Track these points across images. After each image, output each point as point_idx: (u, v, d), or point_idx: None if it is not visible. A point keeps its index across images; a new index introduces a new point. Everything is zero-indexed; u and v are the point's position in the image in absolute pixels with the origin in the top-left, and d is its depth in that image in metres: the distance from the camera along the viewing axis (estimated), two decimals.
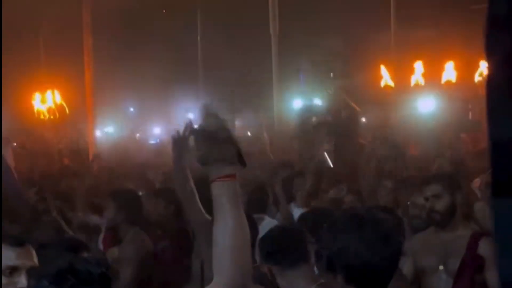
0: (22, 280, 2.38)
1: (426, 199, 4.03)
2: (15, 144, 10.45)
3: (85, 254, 3.00)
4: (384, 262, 2.14)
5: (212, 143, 1.92)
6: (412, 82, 15.79)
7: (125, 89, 17.30)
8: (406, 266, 3.99)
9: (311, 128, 7.01)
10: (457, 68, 15.19)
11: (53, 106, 16.08)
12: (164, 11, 18.63)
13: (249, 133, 12.89)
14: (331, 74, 18.85)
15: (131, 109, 19.82)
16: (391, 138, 7.63)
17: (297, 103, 14.08)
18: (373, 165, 6.34)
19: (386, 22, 16.08)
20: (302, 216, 4.02)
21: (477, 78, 14.81)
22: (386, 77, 15.80)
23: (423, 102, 13.22)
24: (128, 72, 16.28)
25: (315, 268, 2.82)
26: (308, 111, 7.70)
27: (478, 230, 4.06)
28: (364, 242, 2.11)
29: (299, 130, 7.53)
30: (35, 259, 2.47)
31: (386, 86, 15.84)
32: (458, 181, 4.20)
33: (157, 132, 15.18)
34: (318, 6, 17.32)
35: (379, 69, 15.98)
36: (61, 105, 16.13)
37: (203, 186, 2.32)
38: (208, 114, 1.97)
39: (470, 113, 12.38)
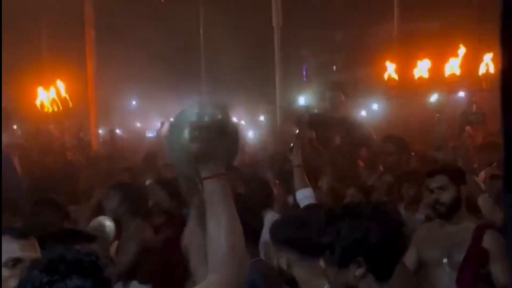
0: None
1: (431, 191, 4.02)
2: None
3: (89, 245, 3.01)
4: (399, 250, 2.24)
5: (215, 140, 1.89)
6: (416, 76, 15.76)
7: (128, 82, 17.29)
8: (409, 258, 3.99)
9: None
10: (461, 61, 15.16)
11: (56, 98, 16.08)
12: (163, 0, 18.59)
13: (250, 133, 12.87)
14: (334, 67, 18.83)
15: (134, 102, 19.82)
16: (394, 132, 7.61)
17: (301, 100, 14.04)
18: (374, 160, 6.33)
19: (389, 15, 16.03)
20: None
21: (481, 71, 14.78)
22: (390, 70, 15.76)
23: (427, 95, 13.21)
24: (130, 64, 16.26)
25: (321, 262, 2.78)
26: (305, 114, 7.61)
27: (482, 223, 4.05)
28: (384, 231, 2.15)
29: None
30: (39, 252, 2.48)
31: (390, 79, 15.81)
32: (463, 173, 4.19)
33: (159, 125, 15.17)
34: None
35: (382, 62, 15.94)
36: (65, 98, 16.13)
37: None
38: (216, 108, 1.95)
39: (474, 106, 12.35)
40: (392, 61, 15.95)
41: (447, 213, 4.02)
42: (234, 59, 16.46)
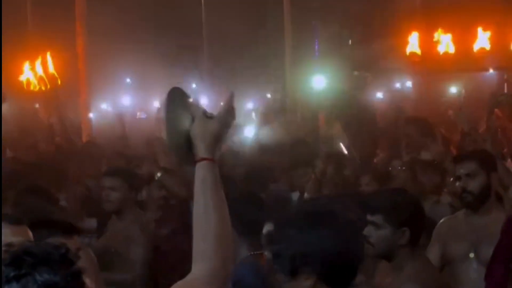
0: None
1: (459, 178, 4.02)
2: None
3: (75, 237, 3.07)
4: (355, 256, 2.15)
5: (207, 123, 2.02)
6: (441, 51, 15.65)
7: (122, 58, 17.28)
8: (432, 253, 4.00)
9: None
10: (491, 34, 15.04)
11: (43, 75, 16.06)
12: None
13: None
14: (350, 41, 18.72)
15: (128, 80, 19.83)
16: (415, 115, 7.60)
17: (312, 79, 13.97)
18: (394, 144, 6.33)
19: None
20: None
21: None
22: (413, 43, 15.59)
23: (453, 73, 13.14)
24: (124, 39, 16.24)
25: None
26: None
27: None
28: (336, 238, 2.10)
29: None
30: (31, 238, 2.65)
31: (412, 54, 15.69)
32: (494, 160, 4.18)
33: (156, 106, 15.18)
34: None
35: (404, 35, 15.82)
36: (53, 75, 16.11)
37: None
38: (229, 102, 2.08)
39: (506, 85, 12.27)
40: (414, 34, 15.83)
41: (475, 202, 4.01)
42: (239, 31, 16.40)
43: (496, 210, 4.03)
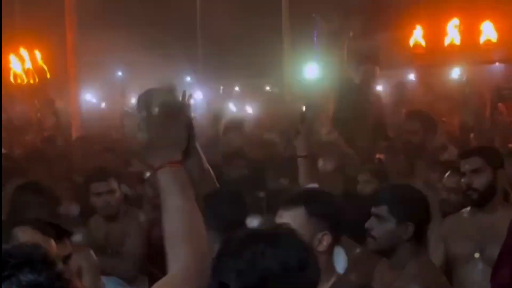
0: None
1: (463, 174, 4.01)
2: None
3: (67, 241, 3.07)
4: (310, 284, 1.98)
5: (166, 125, 1.99)
6: (446, 42, 15.63)
7: (113, 51, 17.24)
8: (436, 253, 3.99)
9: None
10: (497, 26, 15.00)
11: (32, 68, 16.01)
12: None
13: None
14: (351, 33, 18.69)
15: (119, 73, 19.81)
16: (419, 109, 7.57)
17: (310, 70, 13.96)
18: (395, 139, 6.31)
19: None
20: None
21: None
22: (417, 35, 15.56)
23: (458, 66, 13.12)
24: (116, 31, 16.19)
25: None
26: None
27: None
28: (286, 266, 1.92)
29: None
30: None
31: (416, 45, 15.66)
32: (501, 156, 4.18)
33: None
34: None
35: (407, 26, 15.79)
36: (41, 68, 16.07)
37: None
38: (167, 91, 2.05)
39: None
40: (419, 25, 15.79)
41: (480, 200, 4.01)
42: (235, 24, 16.38)
43: (503, 209, 4.02)
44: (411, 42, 15.68)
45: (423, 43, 15.66)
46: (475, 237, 4.02)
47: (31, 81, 16.04)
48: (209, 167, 3.79)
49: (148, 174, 5.39)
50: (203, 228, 2.03)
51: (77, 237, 4.41)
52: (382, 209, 3.26)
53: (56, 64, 15.32)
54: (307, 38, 16.92)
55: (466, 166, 4.03)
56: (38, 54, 16.11)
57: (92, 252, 3.68)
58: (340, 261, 3.58)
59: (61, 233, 2.90)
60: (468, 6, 15.00)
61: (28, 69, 16.18)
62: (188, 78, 17.22)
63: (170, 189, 2.00)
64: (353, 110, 6.93)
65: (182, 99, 2.09)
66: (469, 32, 15.27)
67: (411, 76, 14.55)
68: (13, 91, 15.25)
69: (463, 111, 8.50)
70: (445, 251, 4.11)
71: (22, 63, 16.08)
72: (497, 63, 14.09)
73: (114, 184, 4.88)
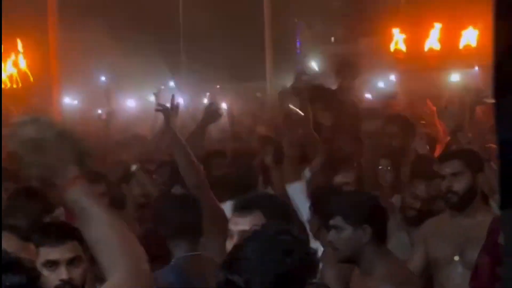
0: None
1: (443, 177, 4.02)
2: None
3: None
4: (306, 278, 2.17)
5: (40, 149, 2.00)
6: (426, 47, 15.71)
7: (96, 56, 17.17)
8: (416, 256, 4.00)
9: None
10: (478, 31, 15.09)
11: (15, 73, 15.90)
12: None
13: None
14: (332, 38, 18.75)
15: (103, 78, 19.70)
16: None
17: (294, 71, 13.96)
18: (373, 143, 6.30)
19: None
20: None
21: None
22: (397, 39, 15.64)
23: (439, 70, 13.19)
24: (99, 35, 16.13)
25: None
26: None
27: (499, 215, 4.05)
28: (288, 263, 2.11)
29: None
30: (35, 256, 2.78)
31: (397, 51, 15.74)
32: (481, 159, 4.19)
33: (130, 105, 15.08)
34: None
35: (388, 32, 15.87)
36: (25, 72, 15.96)
37: None
38: (30, 121, 2.04)
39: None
40: (399, 31, 15.87)
41: (460, 203, 4.02)
42: (218, 27, 16.37)
43: (482, 212, 4.03)
44: (392, 47, 15.77)
45: (403, 48, 15.76)
46: (455, 240, 4.03)
47: (14, 86, 15.94)
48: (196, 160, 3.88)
49: (134, 167, 5.39)
50: (130, 232, 2.09)
51: None
52: (337, 220, 3.36)
53: (37, 69, 15.22)
54: (290, 45, 16.96)
55: (446, 169, 4.04)
56: (22, 58, 16.01)
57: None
58: None
59: (62, 236, 2.88)
60: (448, 12, 15.10)
61: (11, 73, 16.07)
62: (172, 83, 17.18)
63: (84, 205, 2.02)
64: (329, 116, 6.93)
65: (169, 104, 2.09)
66: (449, 37, 15.38)
67: (392, 81, 14.59)
68: None
69: (443, 114, 8.52)
70: (425, 254, 4.11)
71: (4, 67, 15.97)
72: (476, 68, 14.17)
73: (104, 187, 4.87)
